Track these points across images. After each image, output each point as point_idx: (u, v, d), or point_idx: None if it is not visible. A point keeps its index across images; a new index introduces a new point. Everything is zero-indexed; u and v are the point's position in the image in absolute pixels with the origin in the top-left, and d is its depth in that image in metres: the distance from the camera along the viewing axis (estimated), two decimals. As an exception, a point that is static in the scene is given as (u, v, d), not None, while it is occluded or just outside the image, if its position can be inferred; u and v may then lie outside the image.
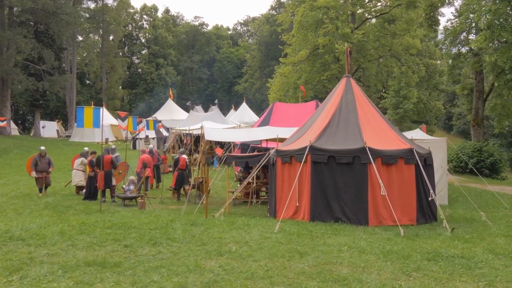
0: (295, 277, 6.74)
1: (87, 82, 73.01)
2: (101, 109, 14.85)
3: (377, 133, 12.04)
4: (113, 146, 19.29)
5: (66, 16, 48.44)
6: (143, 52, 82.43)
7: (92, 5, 64.23)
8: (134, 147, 40.26)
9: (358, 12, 34.98)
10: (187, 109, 56.52)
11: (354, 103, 12.61)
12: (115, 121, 42.12)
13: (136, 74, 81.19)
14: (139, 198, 16.01)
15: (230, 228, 9.96)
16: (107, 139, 46.60)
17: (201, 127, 16.76)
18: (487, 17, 18.70)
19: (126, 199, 16.49)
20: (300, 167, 11.40)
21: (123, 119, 18.50)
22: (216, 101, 66.77)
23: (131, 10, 79.64)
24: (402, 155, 11.49)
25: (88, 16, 61.83)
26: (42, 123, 57.25)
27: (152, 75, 76.95)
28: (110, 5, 65.65)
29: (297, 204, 11.54)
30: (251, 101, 73.77)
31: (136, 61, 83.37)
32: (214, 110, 43.87)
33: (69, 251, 7.91)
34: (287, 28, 37.85)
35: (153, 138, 40.60)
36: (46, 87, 51.82)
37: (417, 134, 18.64)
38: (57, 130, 57.93)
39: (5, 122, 37.82)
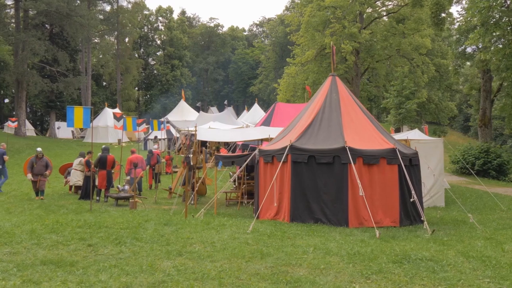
0: (247, 278, 6.60)
1: (104, 83, 73.74)
2: (90, 109, 14.81)
3: (360, 133, 11.81)
4: (104, 146, 19.13)
5: (79, 18, 48.90)
6: (159, 53, 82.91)
7: (107, 8, 64.97)
8: (146, 147, 40.48)
9: (367, 11, 34.61)
10: (200, 110, 56.63)
11: (338, 102, 12.39)
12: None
13: (151, 76, 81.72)
14: (131, 198, 16.01)
15: (202, 228, 9.85)
16: (119, 140, 46.99)
17: (195, 127, 16.72)
18: (482, 13, 18.28)
19: (119, 199, 16.50)
20: (279, 167, 11.23)
21: (118, 119, 18.55)
22: (225, 102, 66.77)
23: (147, 12, 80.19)
24: (385, 155, 11.23)
25: (102, 18, 62.36)
26: (57, 124, 57.93)
27: (167, 77, 77.36)
28: (125, 7, 66.22)
29: (275, 205, 11.39)
30: (266, 102, 73.74)
31: (152, 62, 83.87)
32: (225, 111, 43.91)
33: (32, 250, 7.88)
34: (295, 29, 37.66)
35: (164, 139, 40.75)
36: (61, 88, 52.43)
37: (414, 135, 18.31)
38: (72, 131, 58.48)
39: (16, 123, 38.27)
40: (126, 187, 17.17)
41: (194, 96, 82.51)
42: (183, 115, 51.68)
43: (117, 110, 46.95)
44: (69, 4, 47.84)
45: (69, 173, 18.94)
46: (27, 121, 56.76)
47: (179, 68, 78.77)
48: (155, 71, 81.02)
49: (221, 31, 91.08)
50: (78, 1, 57.56)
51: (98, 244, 8.27)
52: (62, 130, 57.27)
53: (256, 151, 12.64)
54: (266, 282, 6.46)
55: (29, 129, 56.66)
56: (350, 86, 34.32)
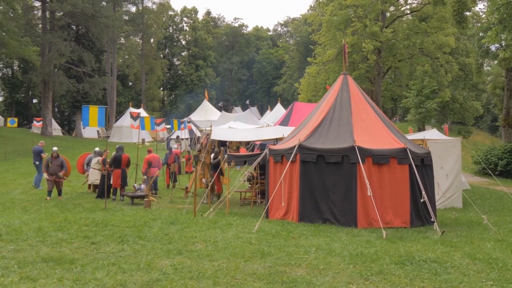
0: (242, 278, 6.56)
1: (130, 84, 74.55)
2: (105, 108, 14.97)
3: (370, 132, 11.64)
4: (118, 145, 19.12)
5: (104, 19, 49.51)
6: (183, 53, 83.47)
7: (133, 9, 65.68)
8: (168, 147, 40.79)
9: (390, 10, 34.16)
10: (222, 110, 56.73)
11: (348, 101, 12.24)
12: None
13: (176, 76, 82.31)
14: (146, 197, 16.10)
15: (208, 227, 9.84)
16: (143, 140, 47.45)
17: (210, 127, 16.74)
18: (500, 10, 17.83)
19: (134, 197, 16.63)
20: (287, 167, 11.16)
21: (135, 119, 18.71)
22: (247, 102, 66.81)
23: (172, 13, 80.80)
24: (395, 155, 11.04)
25: (127, 19, 63.03)
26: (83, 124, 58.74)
27: (192, 77, 77.84)
28: (150, 8, 66.77)
29: (283, 204, 11.31)
30: (290, 102, 73.34)
31: (177, 62, 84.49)
32: (247, 110, 43.89)
33: (35, 247, 7.99)
34: (317, 28, 37.44)
35: (187, 139, 40.95)
36: (86, 88, 53.18)
37: (432, 134, 17.98)
38: (98, 131, 59.22)
39: (41, 123, 38.94)
40: (143, 186, 17.31)
41: (218, 96, 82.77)
42: (206, 115, 51.95)
43: (135, 110, 47.39)
44: (94, 5, 48.53)
45: (88, 165, 19.13)
46: (54, 121, 57.77)
47: (204, 68, 79.18)
48: (180, 71, 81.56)
49: (245, 31, 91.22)
50: (104, 3, 58.54)
51: (101, 242, 8.34)
52: (88, 130, 58.03)
53: (266, 150, 12.58)
54: (261, 282, 6.41)
55: (56, 129, 57.66)
56: (371, 85, 34.00)
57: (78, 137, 56.46)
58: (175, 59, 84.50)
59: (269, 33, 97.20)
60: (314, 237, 9.36)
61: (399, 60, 33.73)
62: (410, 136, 17.91)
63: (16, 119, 34.98)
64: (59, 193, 17.16)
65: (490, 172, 20.93)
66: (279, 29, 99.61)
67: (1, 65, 67.74)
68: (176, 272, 6.70)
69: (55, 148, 17.63)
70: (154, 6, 66.71)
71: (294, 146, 11.30)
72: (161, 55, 79.84)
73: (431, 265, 7.43)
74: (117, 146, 18.34)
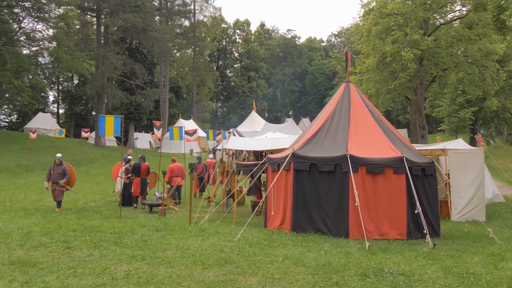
0: (188, 285, 6.51)
1: (184, 96, 76.12)
2: (120, 117, 15.35)
3: (367, 141, 11.28)
4: (141, 155, 19.40)
5: (155, 33, 50.89)
6: (236, 65, 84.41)
7: (186, 22, 67.16)
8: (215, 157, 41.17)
9: (434, 17, 33.13)
10: (278, 121, 56.75)
11: (348, 109, 11.94)
12: (202, 133, 43.26)
13: (229, 87, 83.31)
14: (163, 205, 16.31)
15: (192, 235, 9.83)
16: (191, 150, 48.22)
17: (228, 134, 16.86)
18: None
19: (152, 206, 16.90)
20: (277, 175, 11.02)
21: (158, 128, 19.07)
22: (290, 113, 66.62)
23: (225, 26, 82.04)
24: (391, 164, 10.64)
25: (179, 32, 64.48)
26: (135, 134, 60.44)
27: (244, 88, 78.57)
28: (202, 20, 68.03)
29: (272, 214, 11.16)
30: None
31: (229, 74, 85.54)
32: (289, 121, 43.76)
33: (12, 250, 8.26)
34: (359, 37, 36.92)
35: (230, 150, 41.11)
36: (139, 100, 54.81)
37: (456, 144, 17.23)
38: (150, 142, 60.69)
39: (88, 133, 40.38)
40: (164, 194, 17.58)
41: (270, 107, 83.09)
42: (253, 126, 52.35)
43: (185, 121, 48.15)
44: (145, 19, 50.01)
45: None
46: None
47: (256, 80, 79.78)
48: (232, 83, 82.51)
49: (298, 42, 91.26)
50: (158, 17, 60.28)
51: (76, 247, 8.51)
52: (140, 140, 59.64)
53: (265, 159, 12.50)
54: (205, 290, 6.35)
55: (111, 140, 59.62)
56: (414, 95, 33.07)
57: (131, 147, 58.09)
58: (227, 70, 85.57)
59: (322, 44, 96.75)
60: (295, 246, 9.17)
61: (444, 69, 32.63)
62: (434, 146, 17.30)
63: (64, 130, 36.44)
64: (58, 204, 16.35)
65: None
66: (332, 39, 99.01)
67: (62, 79, 70.94)
68: (126, 277, 6.75)
69: (58, 155, 16.93)
70: (206, 19, 67.93)
71: (288, 155, 11.16)
72: (214, 67, 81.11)
73: (396, 277, 7.11)
74: (139, 155, 18.76)
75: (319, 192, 10.83)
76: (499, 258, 8.63)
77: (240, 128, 51.37)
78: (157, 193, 17.99)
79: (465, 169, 15.26)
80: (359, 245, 9.49)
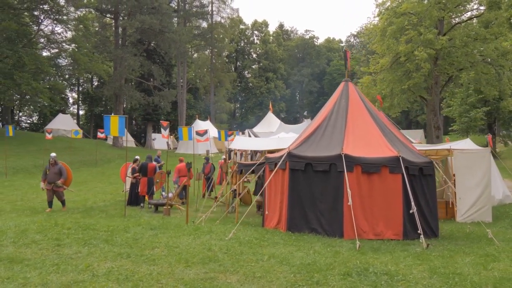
0: (166, 282, 6.53)
1: (203, 97, 76.45)
2: (125, 117, 15.47)
3: (364, 140, 11.18)
4: (148, 155, 19.51)
5: (172, 34, 51.23)
6: (254, 66, 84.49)
7: (204, 24, 67.40)
8: (230, 157, 41.19)
9: (450, 15, 32.60)
10: (296, 122, 56.57)
11: (346, 109, 11.86)
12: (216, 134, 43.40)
13: (247, 88, 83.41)
14: (169, 205, 16.40)
15: (184, 233, 9.87)
16: (208, 151, 48.36)
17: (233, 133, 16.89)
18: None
19: (158, 205, 17.02)
20: (272, 174, 11.01)
21: (165, 128, 19.21)
22: (305, 113, 66.40)
23: (243, 27, 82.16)
24: (386, 163, 10.53)
25: (197, 33, 64.76)
26: (153, 135, 60.87)
27: (262, 89, 78.55)
28: (219, 21, 68.13)
29: (266, 213, 11.14)
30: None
31: (247, 75, 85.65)
32: (304, 122, 43.73)
33: (4, 247, 8.38)
34: (373, 38, 36.59)
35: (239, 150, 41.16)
36: (156, 101, 55.27)
37: (464, 145, 16.95)
38: (167, 142, 61.02)
39: (103, 134, 40.77)
40: (170, 194, 17.67)
41: (288, 108, 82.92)
42: (269, 127, 52.34)
43: (201, 122, 48.27)
44: (162, 21, 50.37)
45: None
46: (127, 133, 60.38)
47: (273, 81, 79.74)
48: (250, 84, 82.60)
49: (316, 43, 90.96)
50: (176, 19, 60.66)
51: (66, 244, 8.60)
52: (158, 141, 59.95)
53: (263, 158, 12.48)
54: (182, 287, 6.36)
55: (130, 141, 60.18)
56: (429, 95, 32.62)
57: (148, 149, 58.47)
58: (246, 71, 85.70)
59: (341, 44, 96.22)
60: (283, 246, 9.14)
61: (460, 69, 32.13)
62: (439, 146, 17.07)
63: (80, 131, 36.90)
64: (63, 203, 16.31)
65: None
66: (351, 40, 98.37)
67: (82, 81, 71.94)
68: (107, 274, 6.79)
69: (53, 154, 16.50)
70: (223, 21, 68.05)
71: (284, 154, 11.14)
72: (233, 68, 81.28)
73: (379, 277, 7.05)
74: (147, 155, 18.91)
75: (314, 192, 10.78)
76: (491, 259, 8.47)
77: (256, 129, 51.38)
78: (163, 193, 18.11)
79: (471, 169, 15.03)
80: (351, 245, 9.42)
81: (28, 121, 72.91)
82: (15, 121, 67.04)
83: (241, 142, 16.70)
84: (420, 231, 9.75)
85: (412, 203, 9.99)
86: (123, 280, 6.56)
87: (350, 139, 11.07)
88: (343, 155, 10.41)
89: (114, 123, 15.47)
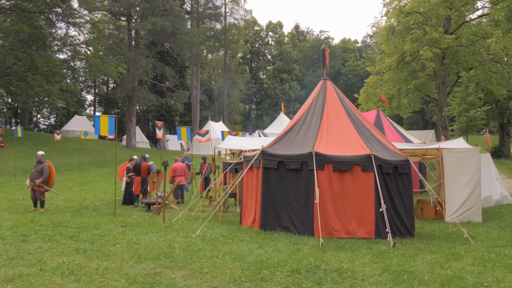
0: (110, 277, 6.59)
1: (217, 97, 76.79)
2: (114, 117, 15.66)
3: (337, 138, 11.13)
4: (143, 154, 19.62)
5: (184, 36, 51.55)
6: (268, 67, 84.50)
7: (217, 25, 67.65)
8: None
9: (455, 14, 32.19)
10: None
11: (322, 107, 11.83)
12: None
13: (261, 90, 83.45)
14: (158, 204, 16.50)
15: (153, 231, 9.95)
16: (219, 152, 48.49)
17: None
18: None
19: (149, 204, 17.14)
20: (243, 173, 11.03)
21: (159, 128, 19.36)
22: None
23: (257, 28, 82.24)
24: (359, 162, 10.47)
25: (210, 35, 65.08)
26: (167, 136, 61.29)
27: (276, 90, 78.52)
28: (233, 23, 68.33)
29: (238, 211, 11.14)
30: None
31: (262, 76, 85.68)
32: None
33: (-28, 242, 8.57)
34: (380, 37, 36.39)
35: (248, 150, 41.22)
36: (169, 103, 55.66)
37: (456, 144, 16.70)
38: (181, 144, 61.43)
39: (113, 135, 41.13)
40: (159, 193, 17.78)
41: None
42: (280, 127, 52.24)
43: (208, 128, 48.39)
44: (174, 23, 50.69)
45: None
46: (142, 134, 60.97)
47: (288, 82, 79.65)
48: (265, 85, 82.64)
49: (331, 44, 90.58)
50: (189, 21, 61.08)
51: (31, 240, 8.75)
52: (171, 142, 60.34)
53: (241, 157, 12.52)
54: (124, 282, 6.42)
55: (144, 142, 60.77)
56: (436, 94, 32.31)
57: (162, 149, 58.90)
58: (260, 73, 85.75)
59: (357, 45, 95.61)
60: (248, 243, 9.16)
61: (469, 68, 31.72)
62: (429, 145, 16.89)
63: (89, 132, 37.32)
64: (41, 204, 15.54)
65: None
66: (367, 40, 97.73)
67: (98, 83, 72.87)
68: (55, 269, 6.88)
69: (39, 153, 16.04)
70: (236, 22, 68.25)
71: (258, 152, 11.16)
72: (247, 69, 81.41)
73: (328, 274, 7.02)
74: (142, 154, 19.08)
75: (287, 190, 10.77)
76: (454, 258, 8.36)
77: (268, 130, 51.43)
78: (158, 193, 18.24)
79: (461, 168, 14.85)
80: (317, 243, 9.38)
81: (46, 123, 74.13)
82: (33, 123, 68.24)
83: (231, 141, 16.72)
84: (388, 229, 9.66)
85: (382, 202, 9.92)
86: (68, 274, 6.64)
87: (323, 138, 11.04)
88: (313, 153, 10.38)
89: (104, 122, 15.66)
